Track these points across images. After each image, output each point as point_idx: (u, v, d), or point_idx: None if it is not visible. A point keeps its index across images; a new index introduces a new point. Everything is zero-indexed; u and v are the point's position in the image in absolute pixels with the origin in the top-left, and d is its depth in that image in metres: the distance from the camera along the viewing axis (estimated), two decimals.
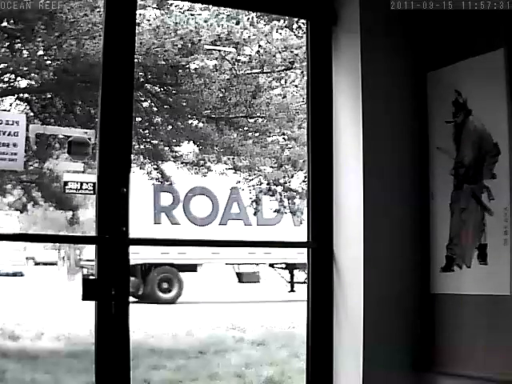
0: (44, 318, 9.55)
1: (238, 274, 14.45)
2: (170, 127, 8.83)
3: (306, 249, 3.19)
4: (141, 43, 7.36)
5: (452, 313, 2.95)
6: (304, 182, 9.42)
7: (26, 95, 7.81)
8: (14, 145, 5.38)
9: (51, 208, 10.10)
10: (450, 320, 2.95)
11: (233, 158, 9.35)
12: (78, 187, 6.65)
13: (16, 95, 7.74)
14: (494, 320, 2.77)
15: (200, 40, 7.85)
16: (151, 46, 7.56)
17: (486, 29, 2.85)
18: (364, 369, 2.91)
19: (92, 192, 6.64)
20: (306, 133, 3.23)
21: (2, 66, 7.42)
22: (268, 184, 9.81)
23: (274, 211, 10.69)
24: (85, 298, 2.63)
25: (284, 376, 7.64)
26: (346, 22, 3.13)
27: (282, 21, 8.26)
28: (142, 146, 8.62)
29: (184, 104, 8.39)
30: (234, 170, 9.69)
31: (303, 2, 3.23)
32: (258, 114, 8.77)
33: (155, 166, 9.06)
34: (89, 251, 11.32)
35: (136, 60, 3.14)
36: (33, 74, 7.59)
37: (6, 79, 7.57)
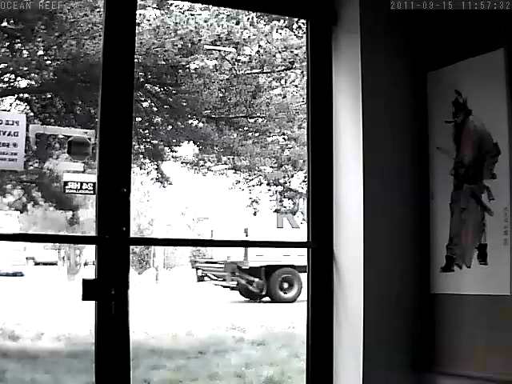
0: (44, 318, 9.55)
1: None
2: (170, 127, 8.84)
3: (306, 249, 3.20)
4: (141, 43, 7.37)
5: (452, 313, 2.94)
6: (304, 182, 9.42)
7: (26, 95, 7.82)
8: (14, 145, 5.38)
9: (51, 208, 10.11)
10: (450, 320, 2.95)
11: (233, 158, 9.36)
12: (78, 187, 6.65)
13: (16, 95, 7.75)
14: (494, 320, 2.77)
15: (200, 40, 7.86)
16: (151, 46, 7.57)
17: (486, 29, 2.85)
18: (364, 369, 2.91)
19: (92, 192, 6.66)
20: (306, 133, 3.23)
21: (2, 65, 7.43)
22: (268, 184, 9.81)
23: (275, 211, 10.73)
24: (85, 298, 2.63)
25: (284, 376, 7.64)
26: (346, 21, 3.13)
27: (281, 21, 8.27)
28: (141, 146, 8.62)
29: (184, 104, 8.40)
30: (233, 170, 9.70)
31: (303, 2, 3.23)
32: (258, 114, 8.77)
33: (155, 166, 9.07)
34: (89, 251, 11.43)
35: (136, 60, 3.15)
36: (33, 74, 7.59)
37: (6, 79, 7.57)
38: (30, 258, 15.13)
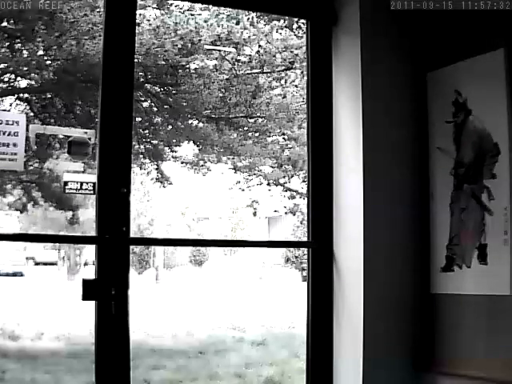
0: (44, 318, 9.54)
1: None
2: (170, 127, 8.83)
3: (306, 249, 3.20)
4: (141, 43, 7.36)
5: (452, 313, 2.95)
6: (304, 182, 9.42)
7: (26, 95, 7.81)
8: (14, 145, 5.38)
9: (51, 208, 10.09)
10: (450, 320, 2.95)
11: (233, 158, 9.35)
12: (78, 187, 6.64)
13: (16, 95, 7.74)
14: (493, 320, 2.77)
15: (200, 40, 7.85)
16: (151, 46, 7.56)
17: (486, 29, 2.85)
18: (364, 369, 2.91)
19: (92, 192, 6.64)
20: (306, 133, 3.23)
21: (2, 65, 7.42)
22: (268, 184, 9.81)
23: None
24: (85, 298, 2.63)
25: (284, 376, 7.64)
26: (345, 21, 3.13)
27: (281, 21, 8.26)
28: (142, 146, 8.62)
29: (184, 104, 8.39)
30: (233, 170, 9.69)
31: (303, 2, 3.23)
32: (258, 114, 8.76)
33: (155, 166, 9.06)
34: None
35: (136, 60, 3.14)
36: (33, 74, 7.59)
37: (6, 79, 7.57)
38: (30, 257, 15.10)
